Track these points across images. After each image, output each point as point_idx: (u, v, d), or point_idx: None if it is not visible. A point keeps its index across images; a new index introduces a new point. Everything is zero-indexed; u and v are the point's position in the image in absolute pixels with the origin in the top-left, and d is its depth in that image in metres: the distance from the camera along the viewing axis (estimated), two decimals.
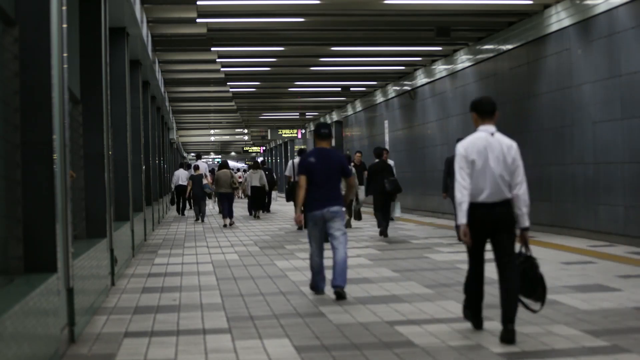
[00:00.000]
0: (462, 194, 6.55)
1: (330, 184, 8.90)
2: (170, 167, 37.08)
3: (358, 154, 22.19)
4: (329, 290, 8.89)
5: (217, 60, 20.80)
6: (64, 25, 6.82)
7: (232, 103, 32.78)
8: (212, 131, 51.11)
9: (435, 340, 6.40)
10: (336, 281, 8.55)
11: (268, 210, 28.49)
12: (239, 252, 14.01)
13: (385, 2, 14.95)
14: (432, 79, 22.79)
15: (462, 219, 6.56)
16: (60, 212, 6.44)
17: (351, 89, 28.22)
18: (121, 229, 11.74)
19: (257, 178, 24.54)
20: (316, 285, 9.06)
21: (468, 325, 6.90)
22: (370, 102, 30.34)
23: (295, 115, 40.38)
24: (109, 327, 7.51)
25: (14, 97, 6.07)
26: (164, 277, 11.04)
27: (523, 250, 6.61)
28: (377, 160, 17.06)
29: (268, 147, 66.55)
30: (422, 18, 16.73)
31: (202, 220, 24.49)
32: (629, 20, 12.92)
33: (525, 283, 6.55)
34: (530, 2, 15.25)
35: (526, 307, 6.64)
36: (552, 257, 11.67)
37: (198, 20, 15.74)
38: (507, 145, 6.57)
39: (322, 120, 40.61)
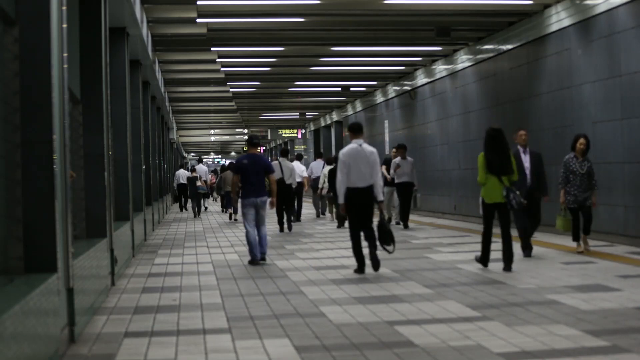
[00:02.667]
0: (341, 185, 10.45)
1: (259, 179, 12.14)
2: (170, 167, 37.66)
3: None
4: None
5: (217, 60, 20.80)
6: (64, 25, 6.82)
7: (232, 103, 32.80)
8: (212, 131, 51.13)
9: (435, 340, 6.40)
10: (262, 249, 12.20)
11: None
12: (239, 252, 14.01)
13: (385, 2, 14.95)
14: (432, 79, 22.79)
15: (341, 200, 10.49)
16: (60, 212, 6.44)
17: (351, 89, 28.22)
18: (121, 229, 11.74)
19: None
20: (254, 256, 12.05)
21: (468, 325, 6.91)
22: (370, 102, 30.34)
23: (295, 115, 40.39)
24: (109, 327, 7.51)
25: (14, 97, 6.07)
26: (164, 277, 11.04)
27: (379, 215, 10.54)
28: (334, 164, 18.98)
29: (268, 147, 66.57)
30: (422, 18, 16.73)
31: (198, 215, 27.67)
32: (629, 20, 12.92)
33: (380, 235, 10.49)
34: (530, 2, 15.25)
35: (384, 249, 10.56)
36: (552, 257, 11.68)
37: (198, 20, 15.75)
38: (369, 151, 10.48)
39: (321, 120, 40.72)
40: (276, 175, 18.66)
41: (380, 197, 10.53)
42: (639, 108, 12.78)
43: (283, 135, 44.50)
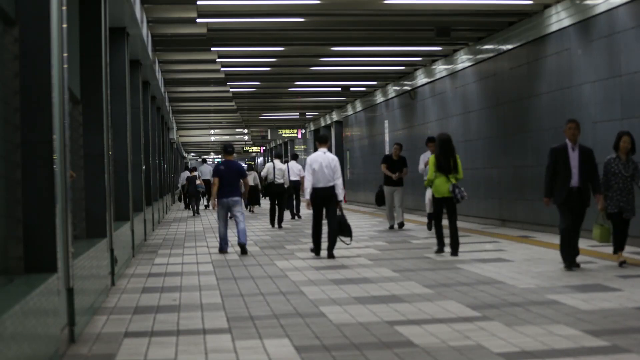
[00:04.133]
0: (308, 184, 12.59)
1: (233, 183, 13.90)
2: (170, 167, 37.87)
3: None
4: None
5: (217, 60, 20.80)
6: (64, 25, 6.82)
7: (232, 103, 32.80)
8: (212, 131, 51.11)
9: (435, 340, 6.40)
10: (240, 240, 13.63)
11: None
12: (239, 252, 14.00)
13: (385, 2, 14.95)
14: (432, 79, 22.79)
15: (307, 196, 12.64)
16: (60, 212, 6.44)
17: (351, 89, 28.22)
18: (121, 229, 11.74)
19: (251, 178, 27.97)
20: (222, 248, 13.96)
21: (468, 325, 6.91)
22: (370, 102, 30.34)
23: (295, 115, 40.37)
24: (109, 327, 7.51)
25: (14, 97, 6.07)
26: (164, 277, 11.04)
27: (339, 212, 12.60)
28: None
29: (268, 147, 66.56)
30: (422, 18, 16.73)
31: (197, 213, 28.87)
32: (629, 20, 12.92)
33: (340, 228, 12.49)
34: (530, 2, 15.24)
35: (342, 241, 12.82)
36: (552, 257, 11.68)
37: (198, 20, 15.74)
38: (331, 158, 12.63)
39: (321, 120, 40.73)
40: (268, 175, 21.31)
41: (340, 197, 12.60)
42: (639, 108, 12.78)
43: (283, 135, 44.47)
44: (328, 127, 40.42)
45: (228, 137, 53.74)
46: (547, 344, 6.11)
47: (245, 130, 50.41)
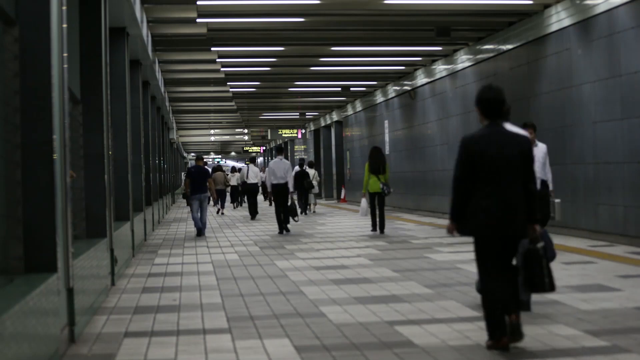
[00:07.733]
0: (268, 182, 18.11)
1: (202, 183, 18.51)
2: (170, 167, 37.87)
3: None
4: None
5: (217, 60, 20.80)
6: (64, 25, 6.82)
7: (232, 103, 32.79)
8: (212, 131, 51.11)
9: (435, 340, 6.40)
10: (203, 227, 18.31)
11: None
12: (239, 252, 14.02)
13: (385, 2, 14.95)
14: (432, 79, 22.79)
15: (269, 189, 18.11)
16: (60, 212, 6.44)
17: (351, 89, 28.21)
18: (121, 229, 11.73)
19: (235, 179, 31.87)
20: (198, 229, 18.15)
21: (468, 325, 6.92)
22: (370, 102, 30.34)
23: (295, 115, 40.37)
24: (109, 327, 7.51)
25: (14, 97, 6.07)
26: (164, 277, 11.04)
27: (291, 202, 18.13)
28: (299, 169, 25.21)
29: (268, 147, 66.54)
30: (422, 18, 16.73)
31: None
32: (629, 20, 12.92)
33: (290, 210, 17.93)
34: (530, 2, 15.24)
35: (293, 219, 18.11)
36: None
37: (198, 20, 15.74)
38: (285, 163, 18.06)
39: (321, 120, 40.74)
40: (242, 176, 26.80)
41: (292, 189, 18.04)
42: (639, 108, 12.78)
43: (283, 135, 44.44)
44: (328, 127, 40.43)
45: (228, 137, 53.77)
46: (547, 344, 6.11)
47: (245, 130, 50.38)
